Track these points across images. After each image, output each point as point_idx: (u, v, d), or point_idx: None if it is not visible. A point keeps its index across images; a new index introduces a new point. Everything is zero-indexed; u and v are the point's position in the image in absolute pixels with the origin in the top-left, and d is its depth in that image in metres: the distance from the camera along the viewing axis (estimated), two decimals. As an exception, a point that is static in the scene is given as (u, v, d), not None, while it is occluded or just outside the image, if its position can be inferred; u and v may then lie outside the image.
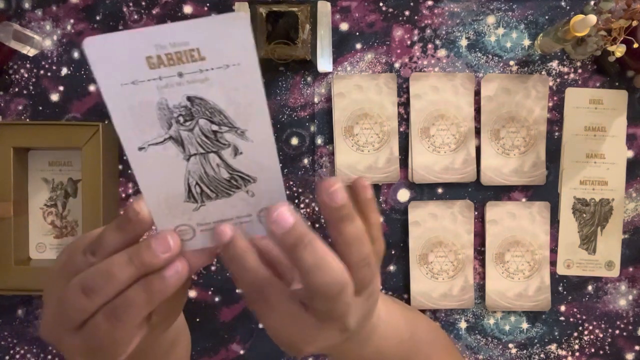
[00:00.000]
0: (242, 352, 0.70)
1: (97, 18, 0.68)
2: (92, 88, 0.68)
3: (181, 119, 0.30)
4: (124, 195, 0.69)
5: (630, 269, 0.71)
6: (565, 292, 0.71)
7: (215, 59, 0.28)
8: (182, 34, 0.27)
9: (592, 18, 0.58)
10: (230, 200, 0.32)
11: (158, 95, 0.29)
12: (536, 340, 0.71)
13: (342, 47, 0.69)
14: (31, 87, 0.68)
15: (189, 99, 0.29)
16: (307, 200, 0.69)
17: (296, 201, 0.69)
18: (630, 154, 0.70)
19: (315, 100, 0.69)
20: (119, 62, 0.28)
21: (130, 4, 0.68)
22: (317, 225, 0.69)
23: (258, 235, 0.33)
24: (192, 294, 0.69)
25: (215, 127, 0.30)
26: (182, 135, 0.30)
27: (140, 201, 0.31)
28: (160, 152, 0.30)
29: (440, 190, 0.70)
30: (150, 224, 0.31)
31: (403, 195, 0.70)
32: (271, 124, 0.30)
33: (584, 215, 0.70)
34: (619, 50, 0.61)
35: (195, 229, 0.32)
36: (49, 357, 0.69)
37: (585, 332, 0.71)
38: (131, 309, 0.30)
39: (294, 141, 0.69)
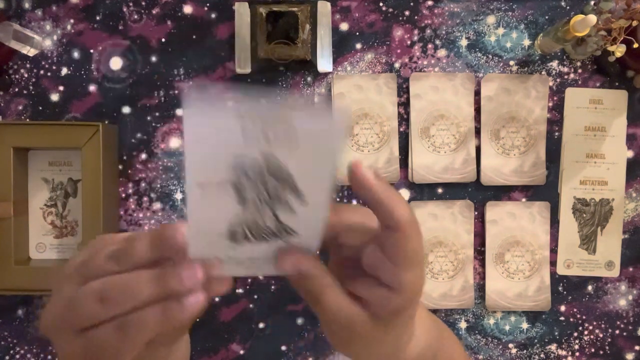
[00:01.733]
0: (242, 352, 0.70)
1: (97, 18, 0.68)
2: (92, 88, 0.68)
3: (249, 171, 0.29)
4: (123, 195, 0.69)
5: (630, 269, 0.71)
6: (565, 292, 0.71)
7: (304, 138, 0.28)
8: (284, 116, 0.28)
9: (592, 18, 0.58)
10: (267, 245, 0.33)
11: (237, 146, 0.28)
12: (536, 340, 0.71)
13: (342, 47, 0.69)
14: (31, 87, 0.68)
15: (264, 155, 0.29)
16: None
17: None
18: (630, 154, 0.70)
19: (316, 100, 0.69)
20: (210, 118, 0.27)
21: (130, 4, 0.68)
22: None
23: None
24: (192, 294, 0.69)
25: (279, 186, 0.30)
26: (244, 183, 0.30)
27: (181, 226, 0.30)
28: (217, 192, 0.30)
29: (440, 190, 0.70)
30: (183, 250, 0.30)
31: (403, 195, 0.70)
32: (331, 192, 0.31)
33: (584, 215, 0.70)
34: (619, 50, 0.61)
35: (223, 260, 0.33)
36: (49, 357, 0.69)
37: (585, 332, 0.71)
38: (144, 327, 0.30)
39: (294, 141, 0.69)
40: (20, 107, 0.68)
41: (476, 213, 0.70)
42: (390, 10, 0.69)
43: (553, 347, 0.71)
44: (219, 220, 0.31)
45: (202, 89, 0.26)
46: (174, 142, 0.69)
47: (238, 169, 0.29)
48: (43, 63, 0.68)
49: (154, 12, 0.68)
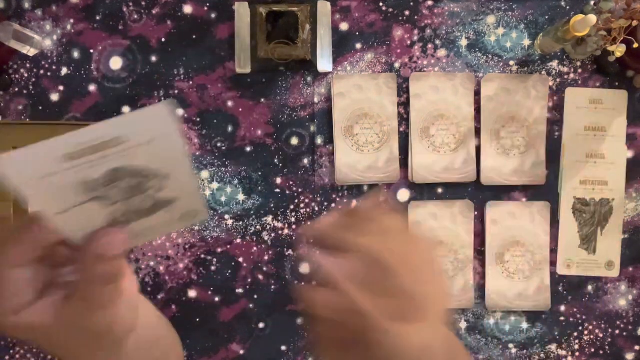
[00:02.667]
0: (242, 352, 0.70)
1: (97, 18, 0.68)
2: (92, 88, 0.68)
3: (105, 183, 0.31)
4: (124, 195, 0.69)
5: (630, 269, 0.71)
6: (565, 292, 0.71)
7: (138, 138, 0.30)
8: (103, 131, 0.29)
9: (592, 18, 0.58)
10: (154, 217, 0.35)
11: (80, 175, 0.30)
12: (536, 340, 0.71)
13: (342, 47, 0.69)
14: (31, 87, 0.68)
15: (113, 169, 0.31)
16: (306, 200, 0.69)
17: (296, 201, 0.69)
18: (630, 154, 0.70)
19: (315, 100, 0.69)
20: (34, 166, 0.29)
21: (130, 4, 0.68)
22: (317, 225, 0.69)
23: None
24: (192, 294, 0.69)
25: (139, 180, 0.32)
26: (106, 193, 0.32)
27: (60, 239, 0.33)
28: (82, 209, 0.32)
29: (440, 190, 0.70)
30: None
31: (403, 195, 0.70)
32: (191, 159, 0.34)
33: (584, 215, 0.70)
34: (619, 50, 0.61)
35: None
36: (49, 357, 0.69)
37: (585, 332, 0.71)
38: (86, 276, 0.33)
39: (294, 141, 0.69)
40: (20, 107, 0.68)
41: (476, 213, 0.70)
42: (390, 10, 0.69)
43: (553, 347, 0.71)
44: (95, 223, 0.33)
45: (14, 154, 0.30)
46: (174, 142, 0.69)
47: (93, 188, 0.31)
48: (43, 63, 0.68)
49: (154, 12, 0.68)
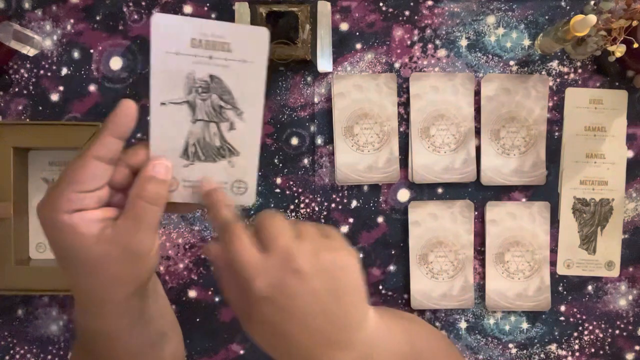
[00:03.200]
0: (242, 352, 0.70)
1: (97, 18, 0.68)
2: (92, 88, 0.68)
3: (200, 90, 0.38)
4: (124, 195, 0.69)
5: (630, 269, 0.71)
6: (565, 292, 0.71)
7: (238, 54, 0.37)
8: (221, 30, 0.37)
9: (592, 18, 0.58)
10: (214, 166, 0.40)
11: (190, 67, 0.37)
12: (536, 340, 0.71)
13: (342, 47, 0.69)
14: (31, 87, 0.68)
15: (210, 76, 0.38)
16: (306, 200, 0.69)
17: (296, 201, 0.69)
18: (630, 154, 0.70)
19: (315, 100, 0.69)
20: (171, 36, 0.36)
21: (130, 4, 0.68)
22: (317, 225, 0.69)
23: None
24: (192, 294, 0.69)
25: (222, 103, 0.38)
26: (196, 102, 0.38)
27: (143, 145, 0.38)
28: (175, 110, 0.38)
29: (440, 190, 0.70)
30: (134, 120, 0.38)
31: (403, 195, 0.70)
32: (263, 114, 0.39)
33: (584, 215, 0.70)
34: (619, 50, 0.61)
35: (179, 183, 0.39)
36: (49, 357, 0.69)
37: (585, 332, 0.71)
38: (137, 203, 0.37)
39: (294, 141, 0.69)
40: (20, 107, 0.68)
41: (476, 213, 0.70)
42: (390, 10, 0.69)
43: (553, 347, 0.71)
44: (176, 138, 0.38)
45: (166, 15, 0.37)
46: (174, 142, 0.69)
47: (191, 89, 0.38)
48: (43, 63, 0.68)
49: (154, 12, 0.69)
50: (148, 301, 0.42)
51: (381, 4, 0.69)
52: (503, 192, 0.70)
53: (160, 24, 0.36)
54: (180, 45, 0.36)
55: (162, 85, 0.37)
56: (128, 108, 0.38)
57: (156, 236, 0.38)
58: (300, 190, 0.70)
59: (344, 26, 0.69)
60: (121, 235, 0.36)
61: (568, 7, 0.69)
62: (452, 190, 0.70)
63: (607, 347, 0.71)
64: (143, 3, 0.68)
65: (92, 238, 0.35)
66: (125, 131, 0.37)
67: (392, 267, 0.70)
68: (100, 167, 0.36)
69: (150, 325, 0.43)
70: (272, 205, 0.69)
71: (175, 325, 0.50)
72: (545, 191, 0.70)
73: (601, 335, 0.71)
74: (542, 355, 0.71)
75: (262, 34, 0.38)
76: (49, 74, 0.68)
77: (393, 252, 0.70)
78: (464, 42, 0.70)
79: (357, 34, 0.69)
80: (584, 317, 0.71)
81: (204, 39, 0.37)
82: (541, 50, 0.69)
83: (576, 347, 0.71)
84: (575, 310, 0.71)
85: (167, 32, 0.36)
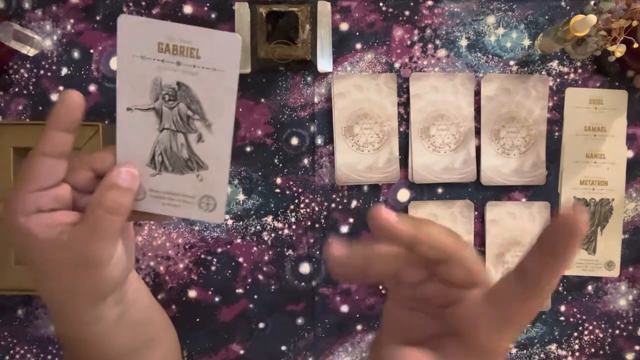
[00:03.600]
0: (242, 352, 0.70)
1: (97, 18, 0.68)
2: (92, 88, 0.68)
3: (167, 97, 0.37)
4: (124, 195, 0.69)
5: (630, 269, 0.71)
6: (565, 292, 0.71)
7: (207, 61, 0.36)
8: (189, 34, 0.35)
9: (592, 18, 0.58)
10: (182, 178, 0.38)
11: (156, 73, 0.36)
12: (536, 340, 0.71)
13: (342, 47, 0.69)
14: (31, 87, 0.68)
15: (178, 83, 0.36)
16: (306, 200, 0.70)
17: (296, 201, 0.69)
18: (630, 154, 0.70)
19: (315, 100, 0.69)
20: (137, 39, 0.35)
21: (130, 4, 0.68)
22: (317, 225, 0.69)
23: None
24: (192, 293, 0.69)
25: (190, 113, 0.37)
26: (163, 110, 0.37)
27: (110, 151, 0.37)
28: (142, 117, 0.37)
29: (440, 190, 0.70)
30: (80, 111, 0.37)
31: (403, 195, 0.70)
32: (233, 126, 0.38)
33: (584, 215, 0.70)
34: (619, 50, 0.61)
35: (147, 192, 0.38)
36: (49, 357, 0.69)
37: (585, 332, 0.71)
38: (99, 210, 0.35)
39: (294, 141, 0.69)
40: (20, 107, 0.68)
41: (476, 213, 0.70)
42: (390, 10, 0.69)
43: (553, 347, 0.71)
44: (142, 145, 0.37)
45: (133, 17, 0.35)
46: (174, 142, 0.69)
47: (157, 95, 0.37)
48: (43, 63, 0.68)
49: (154, 12, 0.69)
50: (127, 308, 0.40)
51: (381, 4, 0.69)
52: (503, 192, 0.70)
53: (126, 25, 0.35)
54: (146, 49, 0.35)
55: (129, 89, 0.36)
56: (71, 99, 0.36)
57: (117, 245, 0.36)
58: (300, 190, 0.70)
59: (344, 26, 0.69)
60: (76, 243, 0.34)
61: (568, 7, 0.69)
62: (452, 190, 0.70)
63: (607, 347, 0.71)
64: (143, 3, 0.68)
65: (47, 243, 0.34)
66: (70, 123, 0.36)
67: (392, 267, 0.70)
68: (48, 163, 0.35)
69: (133, 331, 0.41)
70: (272, 205, 0.69)
71: (167, 330, 0.49)
72: (545, 191, 0.70)
73: (601, 335, 0.71)
74: (542, 355, 0.71)
75: (234, 40, 0.35)
76: (49, 74, 0.68)
77: (393, 252, 0.70)
78: (464, 42, 0.70)
79: (357, 34, 0.69)
80: (584, 317, 0.71)
81: (171, 43, 0.35)
82: (541, 50, 0.69)
83: (576, 347, 0.71)
84: (575, 310, 0.71)
85: (133, 34, 0.35)
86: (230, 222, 0.69)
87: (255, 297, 0.70)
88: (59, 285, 0.36)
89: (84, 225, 0.34)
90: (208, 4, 0.69)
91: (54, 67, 0.68)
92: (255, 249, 0.70)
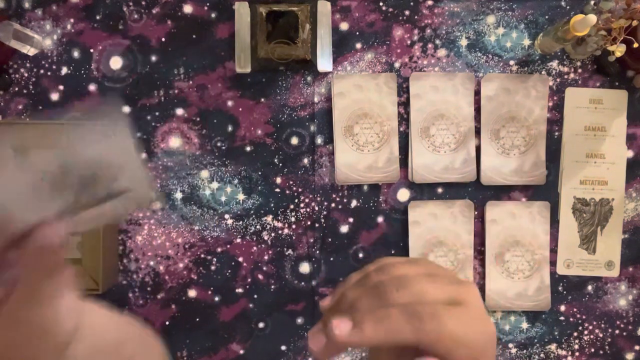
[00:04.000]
0: (241, 351, 0.70)
1: (97, 17, 0.68)
2: (92, 87, 0.68)
3: (61, 171, 0.35)
4: (123, 194, 0.69)
5: (630, 269, 0.71)
6: (565, 292, 0.71)
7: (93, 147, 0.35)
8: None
9: (592, 18, 0.58)
10: (105, 205, 0.37)
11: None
12: (536, 340, 0.71)
13: (342, 47, 0.69)
14: (31, 87, 0.68)
15: (65, 161, 0.35)
16: (306, 200, 0.69)
17: (296, 201, 0.69)
18: (630, 153, 0.70)
19: (315, 99, 0.69)
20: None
21: (130, 4, 0.68)
22: (316, 225, 0.69)
23: None
24: (192, 293, 0.69)
25: (93, 171, 0.36)
26: (61, 180, 0.35)
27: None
28: (37, 189, 0.34)
29: (440, 190, 0.70)
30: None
31: (403, 195, 0.70)
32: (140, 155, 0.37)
33: (584, 215, 0.70)
34: (619, 50, 0.61)
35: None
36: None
37: (585, 332, 0.71)
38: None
39: (294, 141, 0.69)
40: (20, 107, 0.68)
41: (476, 213, 0.70)
42: (390, 10, 0.69)
43: (553, 346, 0.71)
44: (48, 209, 0.35)
45: None
46: (173, 142, 0.69)
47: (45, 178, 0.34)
48: (43, 62, 0.68)
49: (154, 11, 0.69)
50: (95, 342, 0.39)
51: (381, 4, 0.69)
52: (503, 192, 0.70)
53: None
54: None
55: (10, 178, 0.35)
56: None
57: (61, 298, 0.35)
58: (300, 190, 0.69)
59: (344, 26, 0.69)
60: (17, 312, 0.33)
61: (568, 7, 0.69)
62: (452, 190, 0.70)
63: (607, 347, 0.71)
64: (143, 2, 0.68)
65: None
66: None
67: (392, 267, 0.70)
68: None
69: (106, 358, 0.42)
70: (272, 205, 0.69)
71: (145, 346, 0.48)
72: (545, 191, 0.70)
73: (601, 335, 0.71)
74: (542, 355, 0.71)
75: (124, 136, 0.37)
76: (49, 73, 0.68)
77: (393, 252, 0.70)
78: (464, 42, 0.70)
79: (357, 33, 0.69)
80: (584, 317, 0.71)
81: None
82: (541, 50, 0.69)
83: (576, 347, 0.71)
84: (575, 310, 0.71)
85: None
86: (230, 221, 0.69)
87: (255, 296, 0.70)
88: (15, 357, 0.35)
89: (20, 295, 0.33)
90: (208, 4, 0.69)
91: (54, 67, 0.68)
92: (255, 248, 0.69)
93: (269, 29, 0.64)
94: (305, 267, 0.70)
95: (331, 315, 0.33)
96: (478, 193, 0.70)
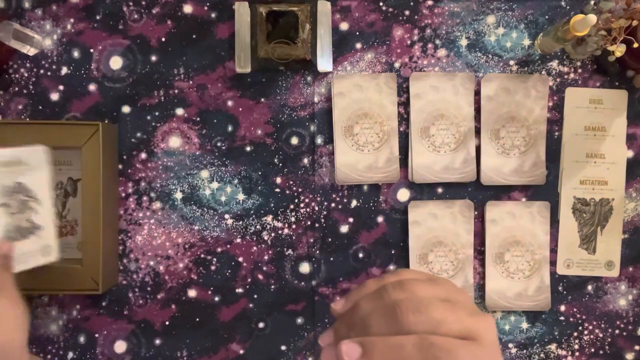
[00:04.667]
0: (241, 351, 0.70)
1: (97, 17, 0.68)
2: (92, 87, 0.68)
3: (11, 193, 0.53)
4: (123, 194, 0.69)
5: (630, 269, 0.71)
6: (565, 292, 0.71)
7: (31, 165, 0.55)
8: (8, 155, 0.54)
9: (592, 18, 0.58)
10: (28, 241, 0.55)
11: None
12: (536, 340, 0.71)
13: (342, 47, 0.69)
14: (31, 87, 0.68)
15: (18, 182, 0.54)
16: (306, 200, 0.69)
17: (296, 201, 0.69)
18: (630, 153, 0.70)
19: (315, 99, 0.69)
20: None
21: (130, 4, 0.68)
22: (316, 225, 0.69)
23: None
24: (192, 293, 0.69)
25: (27, 198, 0.55)
26: (9, 202, 0.53)
27: None
28: None
29: (440, 190, 0.70)
30: None
31: (403, 194, 0.70)
32: (50, 196, 0.56)
33: (584, 215, 0.70)
34: (619, 50, 0.61)
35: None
36: (49, 356, 0.69)
37: (585, 332, 0.71)
38: None
39: (294, 141, 0.69)
40: (20, 107, 0.68)
41: (476, 213, 0.70)
42: (390, 10, 0.69)
43: (553, 346, 0.71)
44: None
45: None
46: (173, 142, 0.69)
47: (2, 195, 0.52)
48: (43, 62, 0.68)
49: (154, 11, 0.69)
50: None
51: (381, 4, 0.69)
52: (503, 192, 0.70)
53: None
54: None
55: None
56: None
57: None
58: (300, 190, 0.69)
59: (344, 26, 0.69)
60: None
61: (568, 7, 0.69)
62: (452, 190, 0.70)
63: (607, 347, 0.71)
64: (143, 2, 0.68)
65: None
66: None
67: (392, 267, 0.70)
68: None
69: None
70: (272, 205, 0.69)
71: None
72: (545, 191, 0.70)
73: (601, 335, 0.71)
74: (542, 355, 0.71)
75: (40, 152, 0.56)
76: (49, 73, 0.68)
77: (393, 252, 0.70)
78: (464, 42, 0.70)
79: (357, 33, 0.69)
80: (584, 317, 0.71)
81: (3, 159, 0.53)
82: (541, 50, 0.69)
83: (576, 347, 0.71)
84: (575, 310, 0.71)
85: None
86: (230, 221, 0.69)
87: (255, 296, 0.70)
88: None
89: None
90: (208, 4, 0.69)
91: (54, 67, 0.68)
92: (255, 248, 0.69)
93: (269, 29, 0.64)
94: (305, 267, 0.70)
95: (342, 324, 0.32)
96: (478, 193, 0.70)
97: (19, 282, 0.64)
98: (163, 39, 0.69)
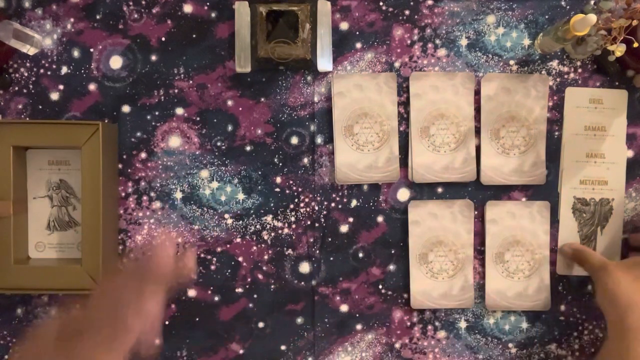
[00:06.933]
0: (241, 351, 0.70)
1: (97, 17, 0.68)
2: (91, 87, 0.68)
3: (55, 187, 0.66)
4: (123, 194, 0.69)
5: (630, 269, 0.71)
6: (565, 292, 0.71)
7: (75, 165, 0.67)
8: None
9: (592, 17, 0.58)
10: (65, 234, 0.66)
11: (48, 176, 0.67)
12: (536, 340, 0.71)
13: (342, 47, 0.69)
14: (31, 86, 0.68)
15: (61, 179, 0.67)
16: (306, 200, 0.69)
17: (296, 200, 0.69)
18: (630, 153, 0.70)
19: (315, 99, 0.69)
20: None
21: (131, 3, 0.68)
22: (316, 225, 0.69)
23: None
24: (192, 293, 0.69)
25: (68, 194, 0.66)
26: (52, 195, 0.66)
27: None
28: (41, 202, 0.66)
29: (440, 190, 0.70)
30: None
31: (403, 194, 0.70)
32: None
33: (584, 214, 0.70)
34: (619, 50, 0.61)
35: (46, 245, 0.68)
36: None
37: (585, 332, 0.71)
38: None
39: (294, 140, 0.69)
40: (20, 106, 0.68)
41: (476, 212, 0.70)
42: (390, 9, 0.69)
43: (553, 346, 0.71)
44: (42, 217, 0.66)
45: None
46: (173, 141, 0.69)
47: (49, 188, 0.66)
48: (43, 62, 0.68)
49: (154, 11, 0.68)
50: None
51: (381, 4, 0.69)
52: (503, 192, 0.70)
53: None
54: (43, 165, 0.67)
55: (31, 184, 0.66)
56: None
57: None
58: (300, 189, 0.69)
59: (344, 25, 0.69)
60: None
61: (568, 7, 0.69)
62: (452, 190, 0.70)
63: (607, 347, 0.71)
64: (143, 2, 0.68)
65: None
66: None
67: (391, 267, 0.70)
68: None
69: None
70: (272, 204, 0.69)
71: None
72: (545, 191, 0.70)
73: (601, 335, 0.71)
74: (542, 355, 0.71)
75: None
76: (48, 72, 0.68)
77: (393, 252, 0.70)
78: (464, 42, 0.70)
79: (357, 33, 0.69)
80: (583, 317, 0.71)
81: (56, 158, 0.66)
82: (541, 49, 0.69)
83: (576, 347, 0.71)
84: (575, 310, 0.71)
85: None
86: (229, 221, 0.69)
87: (255, 296, 0.69)
88: None
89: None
90: (208, 3, 0.69)
91: (54, 66, 0.68)
92: (254, 248, 0.69)
93: (269, 29, 0.64)
94: (305, 267, 0.70)
95: None
96: (478, 193, 0.70)
97: (19, 281, 0.64)
98: (163, 39, 0.69)
